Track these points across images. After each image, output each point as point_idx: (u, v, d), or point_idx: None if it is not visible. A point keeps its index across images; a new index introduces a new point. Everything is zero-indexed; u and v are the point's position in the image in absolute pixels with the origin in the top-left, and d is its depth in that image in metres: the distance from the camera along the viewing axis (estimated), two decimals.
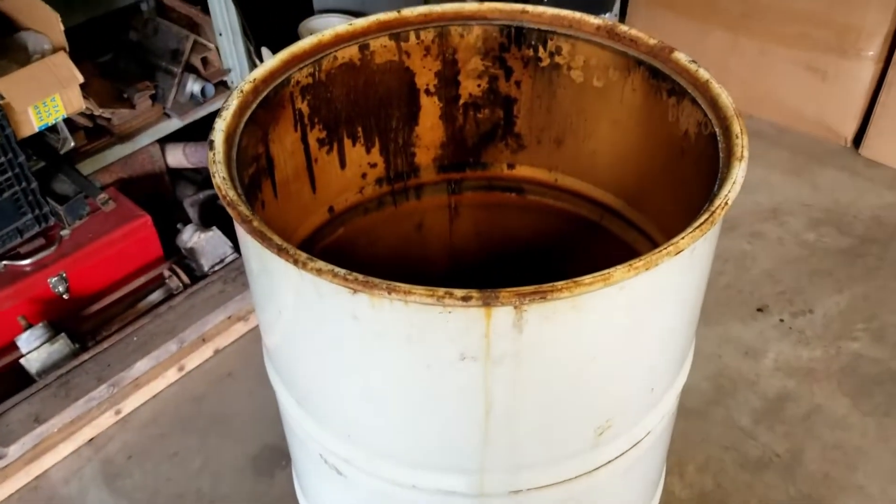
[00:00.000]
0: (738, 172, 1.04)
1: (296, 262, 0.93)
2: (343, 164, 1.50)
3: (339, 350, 1.03)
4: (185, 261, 2.39)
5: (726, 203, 1.00)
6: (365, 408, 1.09)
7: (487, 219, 1.73)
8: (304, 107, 1.35)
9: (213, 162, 1.08)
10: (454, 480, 1.13)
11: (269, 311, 1.11)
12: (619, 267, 0.92)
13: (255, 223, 0.98)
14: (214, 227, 2.40)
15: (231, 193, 1.02)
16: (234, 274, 2.35)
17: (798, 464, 1.99)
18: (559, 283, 0.90)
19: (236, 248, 2.35)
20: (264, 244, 0.96)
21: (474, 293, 0.89)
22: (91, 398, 2.07)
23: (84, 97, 2.14)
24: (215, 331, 2.27)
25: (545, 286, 0.90)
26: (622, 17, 3.28)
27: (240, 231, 1.06)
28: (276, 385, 1.28)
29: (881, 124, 2.79)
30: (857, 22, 2.67)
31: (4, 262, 2.18)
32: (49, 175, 2.21)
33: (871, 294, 2.40)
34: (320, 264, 0.92)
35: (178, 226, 2.41)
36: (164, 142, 2.59)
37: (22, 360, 2.11)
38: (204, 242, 2.38)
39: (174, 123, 2.54)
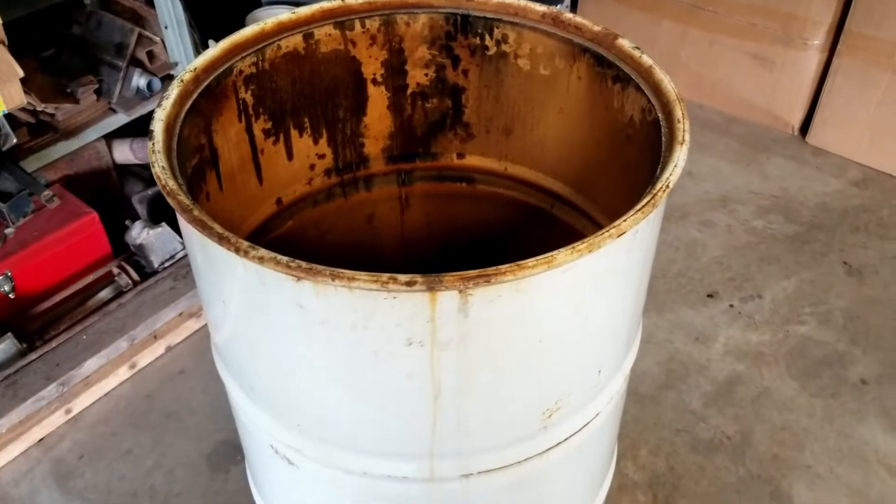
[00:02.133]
0: (680, 156, 1.06)
1: (237, 251, 0.92)
2: (290, 156, 1.49)
3: (285, 340, 1.03)
4: (134, 258, 2.35)
5: (667, 186, 1.01)
6: (313, 397, 1.09)
7: (438, 209, 1.73)
8: (248, 97, 1.33)
9: (153, 152, 1.06)
10: (405, 466, 1.13)
11: (215, 303, 1.10)
12: (562, 250, 0.92)
13: (196, 212, 0.97)
14: (164, 224, 2.37)
15: (171, 183, 1.01)
16: (185, 270, 2.32)
17: (748, 445, 2.02)
18: (503, 267, 0.90)
19: None
20: (205, 233, 0.95)
21: (418, 278, 0.89)
22: (40, 398, 2.03)
23: (26, 92, 2.10)
24: (167, 328, 2.24)
25: (489, 270, 0.90)
26: (573, 7, 3.30)
27: (182, 222, 1.05)
28: (225, 378, 1.26)
29: (826, 112, 2.84)
30: (802, 12, 2.72)
31: None
32: None
33: (818, 279, 2.45)
34: (262, 252, 0.91)
35: (127, 222, 2.38)
36: (110, 137, 2.55)
37: None
38: (153, 239, 2.34)
39: (120, 118, 2.49)
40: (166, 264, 2.34)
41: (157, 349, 2.23)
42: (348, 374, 1.02)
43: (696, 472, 1.97)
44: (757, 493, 1.92)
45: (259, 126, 1.40)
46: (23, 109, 2.23)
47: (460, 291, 0.91)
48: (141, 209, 2.49)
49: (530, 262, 0.91)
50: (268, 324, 1.02)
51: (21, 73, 2.01)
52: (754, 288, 2.43)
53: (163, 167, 1.03)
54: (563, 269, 0.94)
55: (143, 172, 2.66)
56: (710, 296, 2.41)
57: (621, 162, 1.38)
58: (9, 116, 2.16)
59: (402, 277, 0.89)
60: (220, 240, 0.93)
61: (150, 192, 2.53)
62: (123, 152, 2.59)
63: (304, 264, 0.90)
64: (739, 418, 2.08)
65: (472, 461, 1.14)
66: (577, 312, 1.03)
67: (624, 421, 2.06)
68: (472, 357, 1.00)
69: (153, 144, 1.07)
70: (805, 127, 2.95)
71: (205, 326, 2.32)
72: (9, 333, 2.09)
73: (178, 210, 0.98)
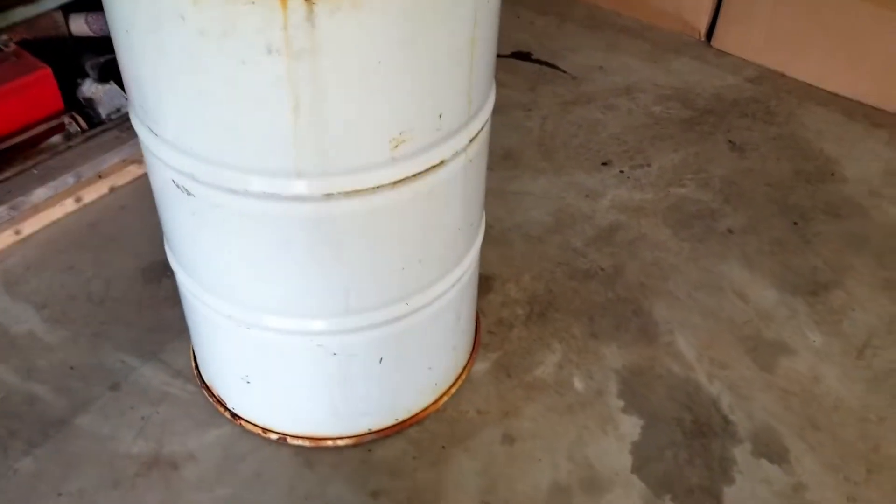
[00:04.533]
0: None
1: None
2: None
3: (172, 56, 1.27)
4: (84, 110, 2.60)
5: None
6: (201, 115, 1.34)
7: None
8: None
9: None
10: (277, 182, 1.38)
11: (118, 31, 1.34)
12: None
13: None
14: (111, 82, 2.61)
15: None
16: (130, 123, 2.56)
17: (619, 276, 2.30)
18: None
19: None
20: None
21: None
22: None
23: None
24: (111, 170, 2.49)
25: None
26: None
27: None
28: (138, 126, 1.51)
29: (728, 17, 3.13)
30: None
31: None
32: None
33: (703, 153, 2.74)
34: None
35: (78, 80, 2.62)
36: (67, 10, 2.78)
37: None
38: (102, 94, 2.59)
39: None
40: (112, 116, 2.58)
41: (102, 188, 2.48)
42: (223, 84, 1.27)
43: (571, 293, 2.25)
44: (621, 311, 2.21)
45: None
46: None
47: None
48: (92, 73, 2.72)
49: None
50: (159, 44, 1.27)
51: None
52: (644, 159, 2.71)
53: None
54: None
55: (96, 44, 2.89)
56: (604, 164, 2.69)
57: None
58: None
59: None
60: None
61: (101, 59, 2.76)
62: (79, 25, 2.82)
63: None
64: (615, 255, 2.36)
65: (333, 182, 1.40)
66: (409, 43, 1.28)
67: (510, 255, 2.34)
68: (322, 68, 1.25)
69: None
70: (711, 32, 3.22)
71: (145, 174, 2.56)
72: None
73: None
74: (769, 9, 2.99)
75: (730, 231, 2.45)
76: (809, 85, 3.03)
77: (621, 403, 1.99)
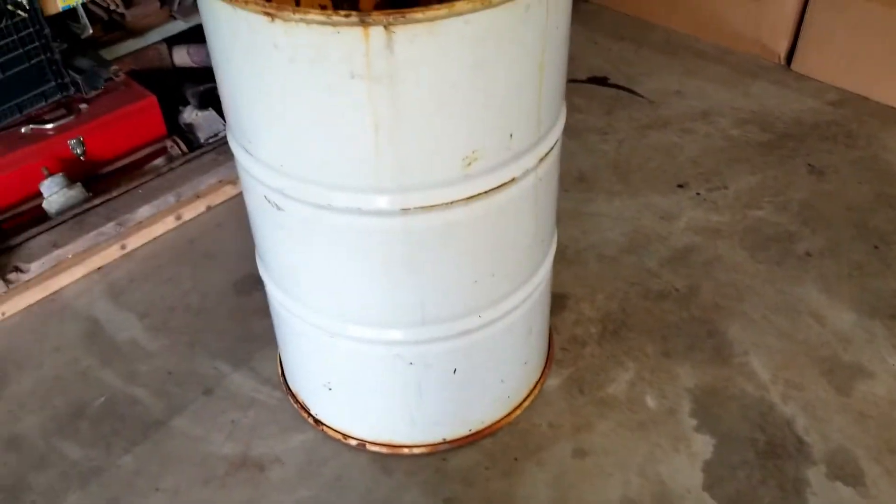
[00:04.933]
0: None
1: (230, 1, 1.31)
2: (297, 2, 1.87)
3: (264, 81, 1.39)
4: (185, 135, 2.78)
5: None
6: (289, 135, 1.45)
7: None
8: None
9: None
10: (358, 197, 1.49)
11: (223, 67, 1.48)
12: (462, 1, 1.28)
13: None
14: (210, 108, 2.79)
15: None
16: (226, 147, 2.74)
17: (694, 296, 2.33)
18: (416, 8, 1.26)
19: None
20: None
21: (353, 13, 1.26)
22: (101, 233, 2.46)
23: None
24: (208, 190, 2.66)
25: (405, 10, 1.26)
26: None
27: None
28: (236, 149, 1.64)
29: (807, 41, 3.12)
30: None
31: (31, 126, 2.58)
32: (71, 54, 2.61)
33: (781, 176, 2.74)
34: None
35: (180, 107, 2.81)
36: (171, 42, 2.99)
37: (44, 203, 2.51)
38: (201, 119, 2.77)
39: (179, 25, 2.93)
40: (210, 140, 2.76)
41: (200, 206, 2.65)
42: (311, 107, 1.38)
43: (644, 313, 2.28)
44: (695, 331, 2.23)
45: None
46: (96, 5, 2.68)
47: (385, 27, 1.27)
48: (193, 101, 2.92)
49: (436, 6, 1.27)
50: (254, 71, 1.40)
51: None
52: (721, 181, 2.72)
53: None
54: (466, 20, 1.29)
55: (196, 74, 3.09)
56: (680, 186, 2.72)
57: None
58: (86, 12, 2.60)
59: (342, 12, 1.26)
60: None
61: (201, 87, 2.95)
62: (181, 56, 3.03)
63: (273, 4, 1.28)
64: (690, 276, 2.39)
65: (410, 197, 1.49)
66: (481, 67, 1.37)
67: (584, 275, 2.39)
68: (401, 92, 1.35)
69: None
70: (791, 56, 3.22)
71: (240, 193, 2.73)
72: (78, 183, 2.54)
73: None
74: (850, 32, 2.97)
75: (808, 254, 2.44)
76: (892, 108, 2.99)
77: (694, 422, 2.01)
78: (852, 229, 2.51)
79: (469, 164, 1.48)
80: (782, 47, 3.21)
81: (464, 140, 1.45)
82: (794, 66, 3.20)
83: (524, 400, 2.04)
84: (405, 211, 1.51)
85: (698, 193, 2.68)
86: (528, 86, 1.48)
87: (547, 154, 1.63)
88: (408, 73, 1.34)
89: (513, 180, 1.57)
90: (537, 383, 2.08)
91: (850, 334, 2.19)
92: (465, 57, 1.35)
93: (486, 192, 1.54)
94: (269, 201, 1.61)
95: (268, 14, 1.29)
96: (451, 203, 1.52)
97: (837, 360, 2.13)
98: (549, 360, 2.14)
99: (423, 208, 1.51)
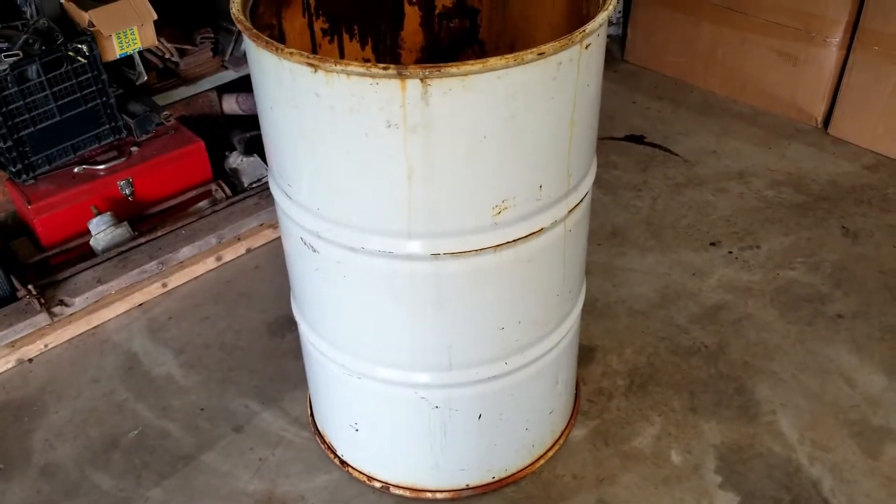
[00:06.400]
0: (602, 15, 1.45)
1: (276, 51, 1.38)
2: (342, 55, 1.96)
3: (305, 127, 1.46)
4: (230, 179, 2.88)
5: (584, 31, 1.41)
6: (326, 180, 1.52)
7: None
8: None
9: (233, 3, 1.54)
10: (390, 241, 1.54)
11: (266, 112, 1.55)
12: (496, 57, 1.34)
13: (255, 31, 1.43)
14: (255, 154, 2.89)
15: (241, 16, 1.48)
16: (268, 192, 2.82)
17: (722, 353, 2.33)
18: (451, 63, 1.32)
19: None
20: (257, 42, 1.41)
21: (391, 65, 1.33)
22: (143, 271, 2.55)
23: (157, 37, 2.67)
24: (249, 233, 2.74)
25: (441, 64, 1.32)
26: (625, 13, 3.72)
27: (247, 45, 1.51)
28: (276, 192, 1.71)
29: (844, 105, 3.14)
30: (821, 11, 3.06)
31: (84, 166, 2.70)
32: (125, 99, 2.74)
33: (815, 238, 2.74)
34: (292, 49, 1.37)
35: (226, 153, 2.91)
36: (221, 91, 3.11)
37: (91, 241, 2.61)
38: (245, 165, 2.87)
39: (230, 74, 3.06)
40: (254, 185, 2.85)
41: (240, 249, 2.72)
42: (348, 153, 1.45)
43: (672, 368, 2.29)
44: (723, 388, 2.23)
45: (319, 24, 1.88)
46: (153, 53, 2.81)
47: (421, 80, 1.34)
48: (239, 147, 3.02)
49: (471, 61, 1.33)
50: (296, 117, 1.47)
51: (155, 16, 2.58)
52: (754, 241, 2.74)
53: (238, 9, 1.51)
54: (498, 75, 1.35)
55: (244, 121, 3.21)
56: (712, 244, 2.73)
57: None
58: (142, 59, 2.74)
59: (380, 65, 1.33)
60: (266, 45, 1.39)
61: (247, 134, 3.06)
62: (230, 104, 3.15)
63: (317, 56, 1.35)
64: (719, 333, 2.39)
65: (440, 242, 1.54)
66: (513, 119, 1.42)
67: (614, 328, 2.41)
68: (434, 142, 1.40)
69: (233, 5, 1.55)
70: (827, 119, 3.24)
71: (279, 237, 2.80)
72: (125, 222, 2.63)
73: (244, 30, 1.45)
74: (887, 97, 2.99)
75: (839, 315, 2.43)
76: None
77: (718, 479, 2.00)
78: (885, 292, 2.50)
79: (499, 212, 1.53)
80: (819, 111, 3.24)
81: (494, 190, 1.50)
82: (830, 129, 3.22)
83: (549, 449, 2.05)
84: (435, 256, 1.56)
85: (730, 252, 2.69)
86: (558, 140, 1.53)
87: (576, 206, 1.67)
88: (442, 124, 1.40)
89: (541, 230, 1.61)
90: (563, 433, 2.09)
91: (881, 397, 2.17)
92: (498, 110, 1.41)
93: (514, 241, 1.58)
94: (305, 243, 1.67)
95: (311, 65, 1.36)
96: (481, 250, 1.57)
97: (867, 422, 2.11)
98: (576, 410, 2.15)
99: (452, 254, 1.56)
